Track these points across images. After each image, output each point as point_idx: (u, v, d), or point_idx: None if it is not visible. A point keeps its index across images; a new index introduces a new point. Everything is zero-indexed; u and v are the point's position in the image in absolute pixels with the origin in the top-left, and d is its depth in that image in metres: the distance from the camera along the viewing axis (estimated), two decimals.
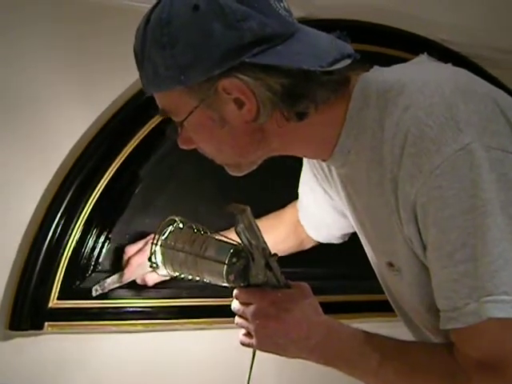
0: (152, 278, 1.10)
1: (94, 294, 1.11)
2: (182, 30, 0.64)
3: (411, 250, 0.68)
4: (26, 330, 1.07)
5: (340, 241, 1.08)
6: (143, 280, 1.11)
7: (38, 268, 1.07)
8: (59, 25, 1.09)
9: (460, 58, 1.35)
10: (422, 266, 0.69)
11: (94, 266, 1.15)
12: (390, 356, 0.71)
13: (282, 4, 0.68)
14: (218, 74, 0.64)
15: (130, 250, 1.11)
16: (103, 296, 1.13)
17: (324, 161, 0.79)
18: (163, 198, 1.20)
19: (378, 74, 0.73)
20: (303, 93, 0.66)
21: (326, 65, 0.65)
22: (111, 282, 1.11)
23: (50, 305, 1.08)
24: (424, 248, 0.66)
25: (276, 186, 1.25)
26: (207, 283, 0.84)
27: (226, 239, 0.81)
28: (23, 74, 1.06)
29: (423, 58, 0.75)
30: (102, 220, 1.14)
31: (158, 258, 0.90)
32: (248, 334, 0.77)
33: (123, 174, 1.15)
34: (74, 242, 1.10)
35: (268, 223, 1.05)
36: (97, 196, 1.12)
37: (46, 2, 1.07)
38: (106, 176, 1.13)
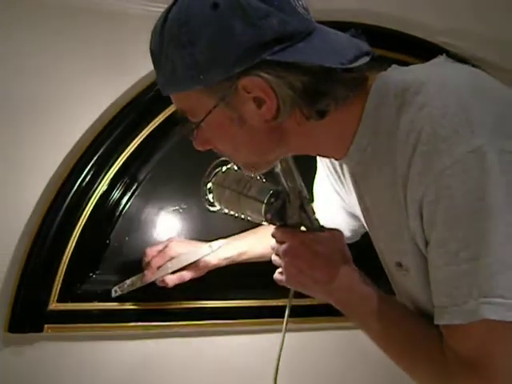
0: (172, 279, 1.10)
1: (113, 294, 1.12)
2: (201, 29, 0.64)
3: (418, 248, 0.69)
4: (26, 332, 1.08)
5: (350, 241, 1.06)
6: (163, 281, 1.10)
7: (37, 270, 1.07)
8: (61, 25, 1.09)
9: (461, 61, 1.35)
10: (425, 263, 0.70)
11: (94, 268, 1.15)
12: (392, 326, 0.75)
13: (300, 2, 0.68)
14: (238, 73, 0.64)
15: (151, 251, 1.12)
16: (103, 299, 1.13)
17: (338, 159, 0.79)
18: (164, 199, 1.21)
19: (396, 73, 0.72)
20: (324, 90, 0.66)
21: (347, 62, 0.65)
22: (131, 283, 1.12)
23: (50, 307, 1.09)
24: (426, 245, 0.67)
25: None
26: (249, 219, 0.89)
27: (269, 182, 0.86)
28: (24, 72, 1.07)
29: (442, 59, 0.75)
30: (101, 222, 1.14)
31: (209, 195, 0.95)
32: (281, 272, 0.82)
33: (124, 174, 1.15)
34: (74, 244, 1.10)
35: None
36: (98, 196, 1.12)
37: (47, 2, 1.08)
38: (106, 178, 1.13)
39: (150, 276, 1.09)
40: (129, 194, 1.18)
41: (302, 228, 0.81)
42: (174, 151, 1.20)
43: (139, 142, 1.16)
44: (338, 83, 0.67)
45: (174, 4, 0.68)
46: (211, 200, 0.94)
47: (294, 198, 0.79)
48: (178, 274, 1.10)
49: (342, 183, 0.90)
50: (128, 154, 1.15)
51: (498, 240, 0.60)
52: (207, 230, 1.22)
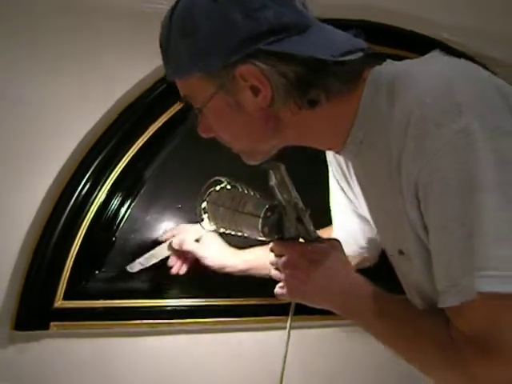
0: (189, 244, 1.11)
1: (135, 269, 1.13)
2: (203, 20, 0.69)
3: (418, 235, 0.70)
4: (32, 330, 1.08)
5: (367, 254, 1.05)
6: (180, 244, 1.12)
7: (43, 268, 1.08)
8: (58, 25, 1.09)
9: (463, 57, 1.34)
10: (428, 252, 0.70)
11: (99, 266, 1.15)
12: (397, 321, 0.75)
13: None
14: (235, 61, 0.68)
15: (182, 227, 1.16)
16: (108, 296, 1.13)
17: (338, 153, 0.81)
18: (168, 198, 1.21)
19: (390, 67, 0.75)
20: (315, 81, 0.70)
21: (338, 55, 0.68)
22: (150, 255, 1.14)
23: (56, 305, 1.09)
24: (426, 231, 0.68)
25: None
26: (246, 237, 0.89)
27: (263, 198, 0.86)
28: (24, 75, 1.07)
29: (435, 53, 0.76)
30: (108, 220, 1.14)
31: (205, 215, 0.96)
32: (282, 286, 0.83)
33: (128, 174, 1.15)
34: (80, 242, 1.11)
35: None
36: (103, 195, 1.12)
37: (48, 4, 1.08)
38: (110, 178, 1.13)
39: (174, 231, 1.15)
40: (134, 193, 1.18)
41: (300, 240, 0.82)
42: (173, 157, 1.21)
43: (143, 142, 1.17)
44: (330, 75, 0.70)
45: (179, 0, 0.73)
46: (207, 220, 0.95)
47: (290, 210, 0.80)
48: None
49: (347, 181, 0.91)
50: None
51: (492, 214, 0.61)
52: None
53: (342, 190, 0.97)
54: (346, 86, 0.72)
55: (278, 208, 0.81)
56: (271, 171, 0.77)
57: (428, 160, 0.63)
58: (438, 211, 0.64)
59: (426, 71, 0.69)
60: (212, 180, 0.95)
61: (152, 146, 1.18)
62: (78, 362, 1.13)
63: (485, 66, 1.36)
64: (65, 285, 1.09)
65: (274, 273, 0.84)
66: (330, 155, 0.95)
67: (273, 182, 0.78)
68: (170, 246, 1.14)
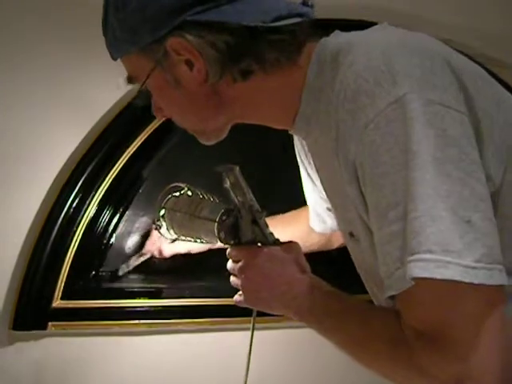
0: (169, 249, 1.11)
1: (120, 273, 1.13)
2: None
3: (361, 218, 0.66)
4: (30, 330, 1.08)
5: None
6: (160, 252, 1.12)
7: (41, 268, 1.08)
8: (59, 25, 1.10)
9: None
10: (371, 234, 0.65)
11: (97, 266, 1.15)
12: (349, 321, 0.70)
13: None
14: (164, 34, 0.66)
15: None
16: (106, 296, 1.13)
17: (290, 131, 0.78)
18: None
19: (335, 39, 0.71)
20: (246, 51, 0.67)
21: (270, 21, 0.65)
22: (134, 258, 1.14)
23: (54, 305, 1.09)
24: (368, 212, 0.63)
25: (278, 189, 1.25)
26: (205, 243, 0.88)
27: (221, 203, 0.84)
28: (23, 74, 1.07)
29: (385, 24, 0.72)
30: (105, 221, 1.14)
31: (162, 221, 0.94)
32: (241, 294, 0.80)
33: (126, 175, 1.15)
34: (78, 242, 1.11)
35: (283, 220, 1.04)
36: (101, 196, 1.12)
37: (48, 3, 1.08)
38: (108, 177, 1.13)
39: (149, 247, 1.13)
40: (133, 192, 1.18)
41: (258, 244, 0.78)
42: (161, 168, 1.20)
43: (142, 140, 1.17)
44: (265, 44, 0.67)
45: None
46: (165, 227, 0.94)
47: (245, 213, 0.77)
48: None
49: (310, 165, 0.89)
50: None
51: (425, 192, 0.55)
52: None
53: (306, 171, 0.94)
54: (284, 55, 0.68)
55: (233, 212, 0.79)
56: (224, 173, 0.75)
57: (361, 134, 0.59)
58: (372, 190, 0.60)
59: (368, 43, 0.64)
60: (170, 186, 0.93)
61: (141, 157, 1.18)
62: (75, 362, 1.13)
63: (484, 66, 1.36)
64: (63, 285, 1.09)
65: (232, 279, 0.80)
66: (295, 137, 0.92)
67: (227, 184, 0.75)
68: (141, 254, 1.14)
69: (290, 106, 0.72)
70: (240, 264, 0.77)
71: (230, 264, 0.80)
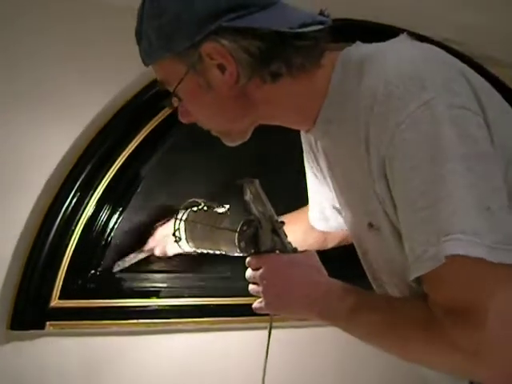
0: (173, 249, 1.12)
1: (115, 269, 1.13)
2: (167, 2, 0.72)
3: (386, 213, 0.72)
4: (28, 329, 1.08)
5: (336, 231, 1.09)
6: (163, 252, 1.14)
7: (39, 267, 1.07)
8: (60, 23, 1.09)
9: (462, 57, 1.34)
10: (394, 226, 0.72)
11: (96, 265, 1.14)
12: (376, 311, 0.74)
13: None
14: (199, 40, 0.71)
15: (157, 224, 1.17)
16: (105, 296, 1.13)
17: (307, 132, 0.84)
18: (164, 196, 1.21)
19: (360, 48, 0.77)
20: (276, 54, 0.72)
21: (296, 27, 0.71)
22: (133, 256, 1.15)
23: (52, 304, 1.08)
24: (395, 207, 0.69)
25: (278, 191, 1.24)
26: (223, 253, 0.90)
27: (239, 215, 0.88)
28: (24, 66, 1.07)
29: (403, 37, 0.79)
30: (103, 220, 1.14)
31: (181, 233, 0.98)
32: (261, 301, 0.83)
33: (125, 174, 1.15)
34: (76, 241, 1.10)
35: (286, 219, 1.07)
36: (99, 195, 1.12)
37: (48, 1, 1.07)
38: (107, 175, 1.13)
39: (152, 244, 1.15)
40: (132, 191, 1.18)
41: (277, 252, 0.83)
42: (160, 168, 1.21)
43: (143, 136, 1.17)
44: (290, 48, 0.72)
45: None
46: (184, 240, 0.97)
47: (265, 223, 0.82)
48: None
49: (318, 163, 0.94)
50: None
51: (456, 181, 0.62)
52: None
53: (313, 171, 0.99)
54: (308, 60, 0.74)
55: (253, 222, 0.83)
56: (245, 186, 0.80)
57: (392, 133, 0.65)
58: (402, 183, 0.66)
59: (394, 52, 0.71)
60: (188, 201, 0.98)
61: (139, 156, 1.17)
62: (73, 362, 1.13)
63: (484, 66, 1.36)
64: (61, 284, 1.09)
65: (252, 287, 0.84)
66: (302, 136, 0.98)
67: (247, 196, 0.81)
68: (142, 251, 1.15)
69: (312, 109, 0.78)
70: (261, 271, 0.81)
71: (249, 272, 0.84)
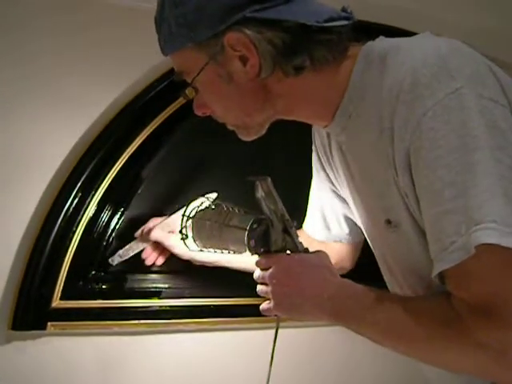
0: (177, 247, 1.06)
1: (115, 262, 1.12)
2: None
3: (407, 206, 0.70)
4: (29, 330, 1.08)
5: (349, 238, 1.05)
6: (171, 246, 1.07)
7: (40, 268, 1.07)
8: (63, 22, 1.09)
9: None
10: (416, 221, 0.70)
11: (97, 266, 1.14)
12: (394, 310, 0.70)
13: None
14: (223, 30, 0.70)
15: (155, 220, 1.12)
16: (106, 296, 1.13)
17: (325, 127, 0.81)
18: (164, 197, 1.21)
19: (383, 42, 0.76)
20: (300, 47, 0.71)
21: (322, 21, 0.71)
22: (129, 247, 1.12)
23: (53, 305, 1.09)
24: (418, 201, 0.67)
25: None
26: (231, 253, 0.88)
27: (249, 214, 0.86)
28: (27, 67, 1.07)
29: (427, 33, 0.77)
30: (104, 221, 1.14)
31: (189, 231, 0.95)
32: (269, 302, 0.80)
33: (126, 175, 1.15)
34: (77, 242, 1.10)
35: None
36: (100, 195, 1.12)
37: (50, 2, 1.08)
38: (109, 176, 1.13)
39: (153, 234, 1.09)
40: (133, 192, 1.18)
41: (287, 252, 0.80)
42: (162, 168, 1.20)
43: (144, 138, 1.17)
44: (315, 42, 0.72)
45: None
46: (191, 238, 0.94)
47: (276, 221, 0.79)
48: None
49: (329, 161, 0.92)
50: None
51: (485, 171, 0.60)
52: None
53: (319, 174, 0.98)
54: (331, 54, 0.73)
55: (264, 220, 0.81)
56: (258, 183, 0.78)
57: (419, 121, 0.63)
58: (427, 173, 0.63)
59: (420, 45, 0.70)
60: (196, 199, 0.96)
61: (140, 157, 1.17)
62: (75, 362, 1.13)
63: None
64: (62, 285, 1.09)
65: (260, 288, 0.81)
66: (315, 135, 0.96)
67: (259, 194, 0.78)
68: (143, 238, 1.11)
69: (332, 103, 0.77)
70: (270, 270, 0.78)
71: (257, 273, 0.82)
